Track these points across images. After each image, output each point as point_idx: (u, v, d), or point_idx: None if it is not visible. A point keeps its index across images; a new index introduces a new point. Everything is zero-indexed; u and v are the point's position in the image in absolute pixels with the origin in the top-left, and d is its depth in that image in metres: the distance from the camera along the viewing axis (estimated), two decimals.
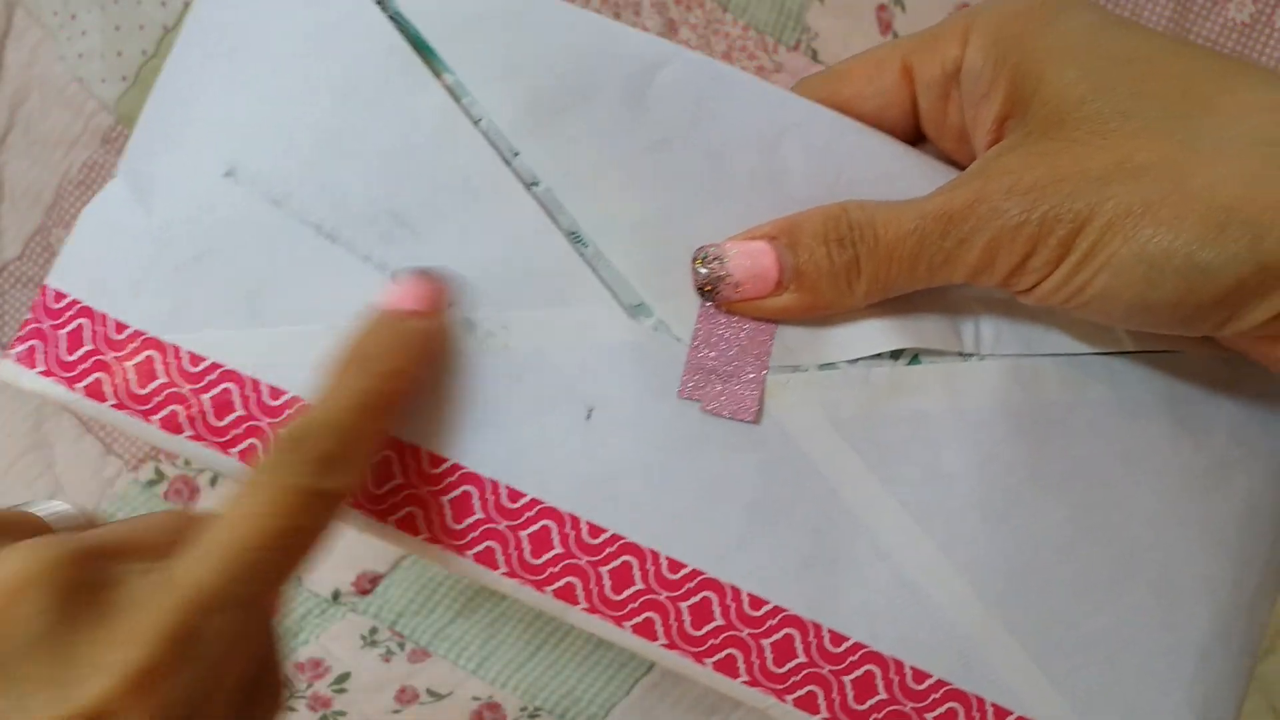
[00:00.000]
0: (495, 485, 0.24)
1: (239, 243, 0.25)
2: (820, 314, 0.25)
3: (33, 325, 0.25)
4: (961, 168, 0.25)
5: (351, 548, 0.62)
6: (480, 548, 0.25)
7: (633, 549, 0.24)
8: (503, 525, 0.24)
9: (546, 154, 0.25)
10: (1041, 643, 0.25)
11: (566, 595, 0.24)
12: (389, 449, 0.25)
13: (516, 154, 0.25)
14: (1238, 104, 0.22)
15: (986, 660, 0.24)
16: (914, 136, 0.27)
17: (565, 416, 0.24)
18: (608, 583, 0.24)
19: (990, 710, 0.25)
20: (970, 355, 0.25)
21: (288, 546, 0.21)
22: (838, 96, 0.26)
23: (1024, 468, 0.25)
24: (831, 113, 0.26)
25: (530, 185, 0.25)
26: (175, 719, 0.19)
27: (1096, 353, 0.25)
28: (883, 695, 0.24)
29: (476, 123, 0.25)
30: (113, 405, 0.24)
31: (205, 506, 0.63)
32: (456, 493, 0.25)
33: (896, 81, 0.25)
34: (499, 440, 0.24)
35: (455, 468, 0.25)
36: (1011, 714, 0.25)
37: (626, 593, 0.24)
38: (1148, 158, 0.21)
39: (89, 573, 0.20)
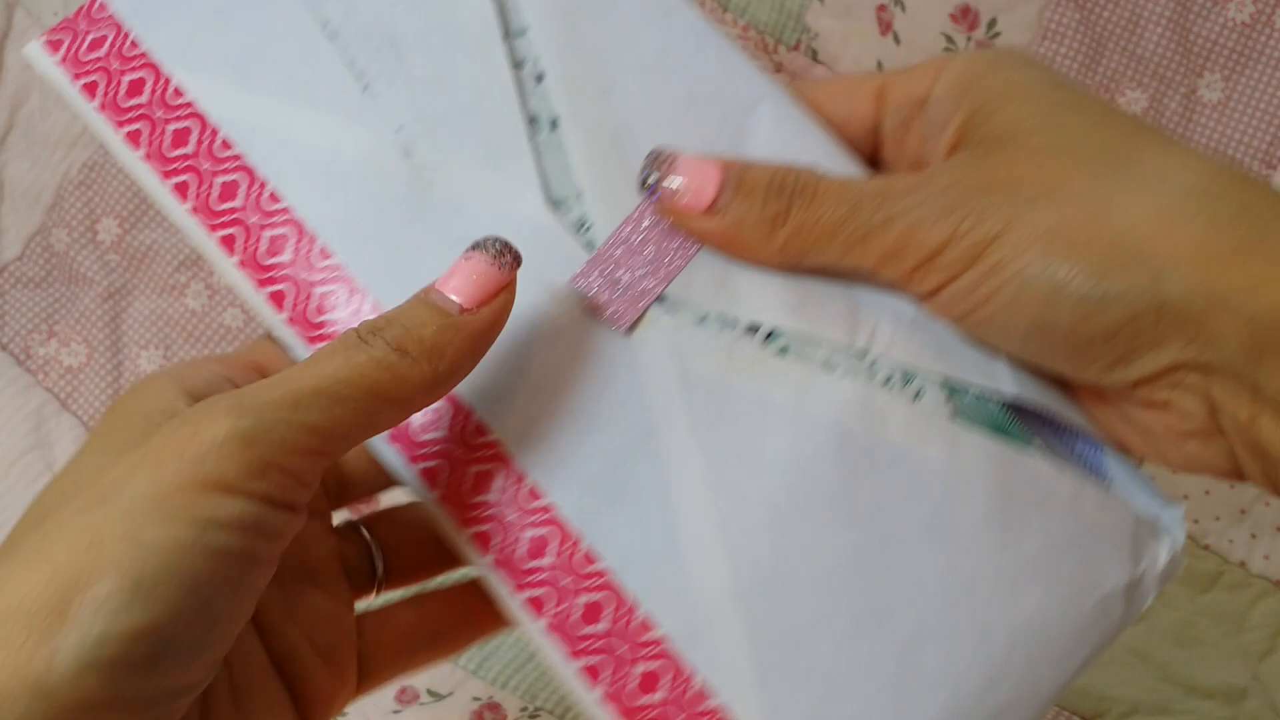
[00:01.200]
0: (365, 295, 0.26)
1: (250, 14, 0.28)
2: (736, 252, 0.26)
3: (70, 22, 0.28)
4: None
5: None
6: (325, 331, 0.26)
7: (452, 399, 0.25)
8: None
9: (550, 40, 0.27)
10: (770, 652, 0.24)
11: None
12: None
13: (524, 31, 0.27)
14: (1176, 160, 0.23)
15: (713, 642, 0.24)
16: (868, 158, 0.28)
17: (448, 262, 0.25)
18: (416, 427, 0.26)
19: (696, 686, 0.24)
20: (859, 350, 0.26)
21: (345, 402, 0.22)
22: (810, 100, 0.28)
23: (830, 489, 0.25)
24: (806, 109, 0.27)
25: (519, 63, 0.27)
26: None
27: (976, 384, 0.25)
28: (604, 626, 0.25)
29: None
30: (96, 108, 0.28)
31: None
32: (331, 288, 0.26)
33: (868, 102, 0.28)
34: (379, 257, 0.26)
35: (338, 267, 0.26)
36: (709, 700, 0.24)
37: (428, 438, 0.26)
38: (1079, 189, 0.23)
39: None
